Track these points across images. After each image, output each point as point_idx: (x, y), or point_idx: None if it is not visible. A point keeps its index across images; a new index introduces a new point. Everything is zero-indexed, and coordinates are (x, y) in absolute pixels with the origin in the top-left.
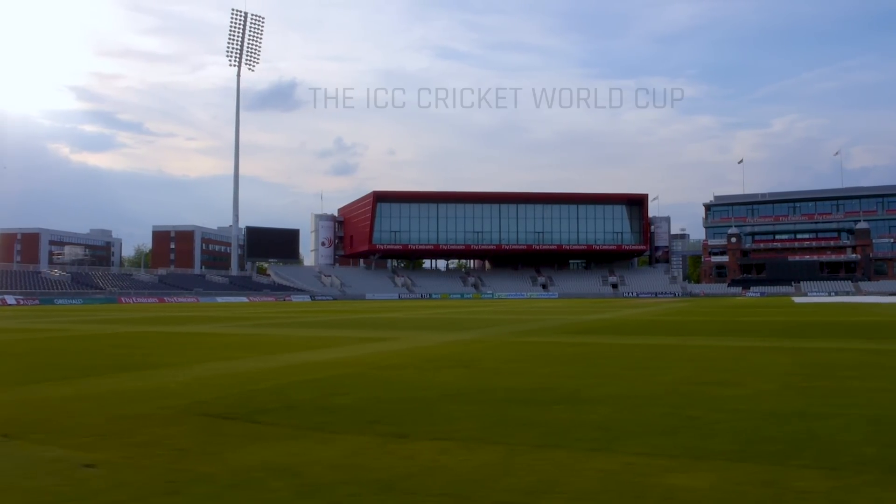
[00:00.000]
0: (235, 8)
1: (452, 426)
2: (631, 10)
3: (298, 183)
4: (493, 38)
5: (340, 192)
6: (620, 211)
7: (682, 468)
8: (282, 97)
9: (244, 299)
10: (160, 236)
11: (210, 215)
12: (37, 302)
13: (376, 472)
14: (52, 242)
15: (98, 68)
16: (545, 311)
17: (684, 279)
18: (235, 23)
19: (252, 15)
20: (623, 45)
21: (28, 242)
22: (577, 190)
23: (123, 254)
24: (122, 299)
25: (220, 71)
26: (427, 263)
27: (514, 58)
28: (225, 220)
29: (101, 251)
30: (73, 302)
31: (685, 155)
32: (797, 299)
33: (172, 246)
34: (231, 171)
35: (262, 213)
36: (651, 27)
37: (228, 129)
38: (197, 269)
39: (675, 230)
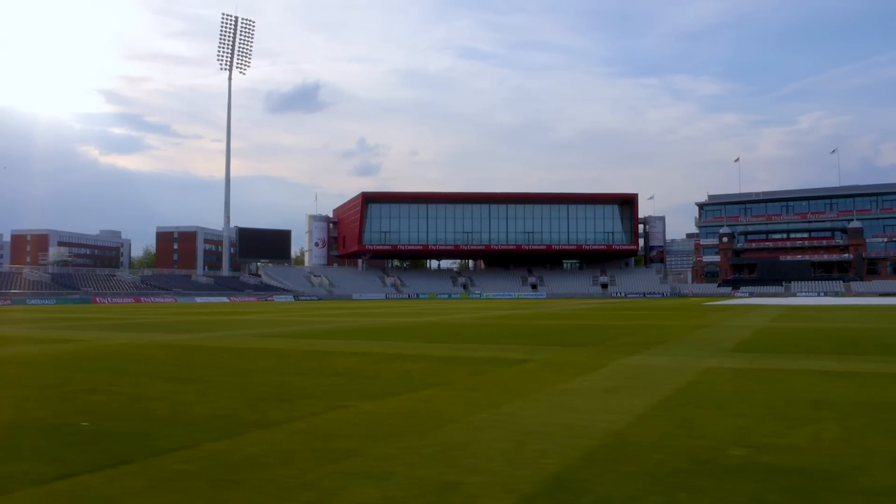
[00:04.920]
0: (225, 13)
1: None
2: (654, 7)
3: (322, 183)
4: (515, 38)
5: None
6: (612, 211)
7: None
8: (305, 99)
9: (225, 299)
10: (163, 237)
11: (231, 215)
12: (8, 303)
13: None
14: (60, 244)
15: (126, 71)
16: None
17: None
18: (226, 27)
19: (242, 19)
20: (646, 44)
21: (38, 244)
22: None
23: (133, 255)
24: (98, 300)
25: (245, 73)
26: (427, 263)
27: (536, 57)
28: (243, 221)
29: (110, 252)
30: (46, 302)
31: (709, 153)
32: (745, 301)
33: (175, 246)
34: (251, 172)
35: (285, 213)
36: (674, 25)
37: (253, 130)
38: (199, 270)
39: (689, 230)
